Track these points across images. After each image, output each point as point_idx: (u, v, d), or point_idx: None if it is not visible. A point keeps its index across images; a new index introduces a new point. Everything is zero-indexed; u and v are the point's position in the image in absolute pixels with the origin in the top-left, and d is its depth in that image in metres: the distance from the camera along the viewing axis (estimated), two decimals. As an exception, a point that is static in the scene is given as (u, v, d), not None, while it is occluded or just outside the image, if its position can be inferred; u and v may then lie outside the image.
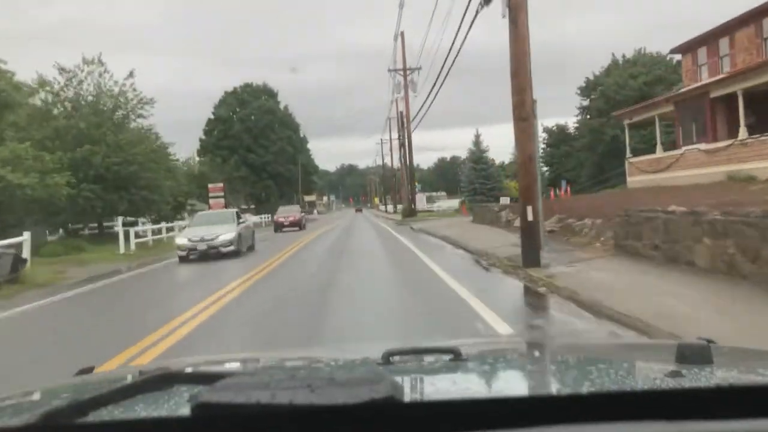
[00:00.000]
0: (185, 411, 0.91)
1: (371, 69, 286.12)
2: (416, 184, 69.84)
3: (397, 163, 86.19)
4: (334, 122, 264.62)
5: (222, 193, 52.04)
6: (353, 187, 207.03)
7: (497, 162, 68.68)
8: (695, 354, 1.19)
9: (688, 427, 0.90)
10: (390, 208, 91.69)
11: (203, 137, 76.50)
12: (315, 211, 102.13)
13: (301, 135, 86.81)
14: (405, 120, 49.40)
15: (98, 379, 1.62)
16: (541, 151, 56.29)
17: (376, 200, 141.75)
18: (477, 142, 59.52)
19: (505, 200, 42.01)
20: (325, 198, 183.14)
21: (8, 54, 75.14)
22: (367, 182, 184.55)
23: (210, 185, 53.62)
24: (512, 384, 1.31)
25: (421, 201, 70.69)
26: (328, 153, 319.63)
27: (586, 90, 56.85)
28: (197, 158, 72.54)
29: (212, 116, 77.31)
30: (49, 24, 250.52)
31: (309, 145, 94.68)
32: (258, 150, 75.41)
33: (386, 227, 36.81)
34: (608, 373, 1.21)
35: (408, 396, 0.96)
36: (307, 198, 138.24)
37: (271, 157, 75.92)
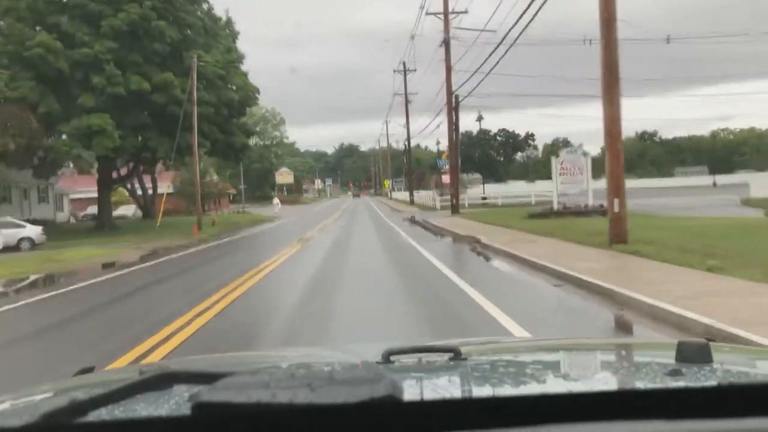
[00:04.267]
0: (185, 411, 0.91)
1: (368, 52, 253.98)
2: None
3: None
4: (330, 105, 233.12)
5: None
6: (354, 170, 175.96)
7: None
8: (695, 352, 1.17)
9: (688, 426, 0.89)
10: (429, 199, 51.17)
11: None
12: (275, 202, 63.39)
13: (224, 17, 39.13)
14: None
15: (98, 378, 1.64)
16: None
17: (387, 184, 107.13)
18: None
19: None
20: (318, 182, 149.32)
21: None
22: (371, 161, 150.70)
23: None
24: (512, 383, 1.26)
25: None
26: (324, 138, 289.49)
27: None
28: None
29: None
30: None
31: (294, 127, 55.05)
32: (81, 31, 30.45)
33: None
34: (608, 372, 1.20)
35: (407, 395, 0.95)
36: (282, 179, 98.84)
37: (101, 47, 30.19)
